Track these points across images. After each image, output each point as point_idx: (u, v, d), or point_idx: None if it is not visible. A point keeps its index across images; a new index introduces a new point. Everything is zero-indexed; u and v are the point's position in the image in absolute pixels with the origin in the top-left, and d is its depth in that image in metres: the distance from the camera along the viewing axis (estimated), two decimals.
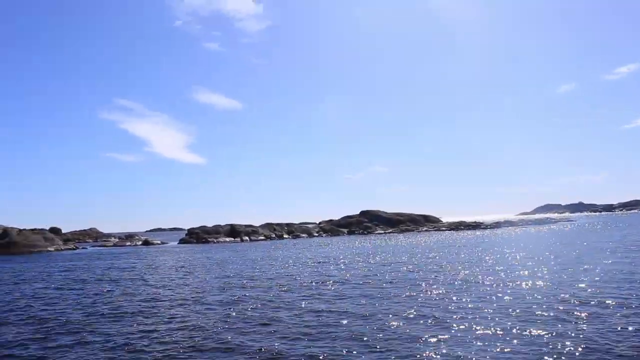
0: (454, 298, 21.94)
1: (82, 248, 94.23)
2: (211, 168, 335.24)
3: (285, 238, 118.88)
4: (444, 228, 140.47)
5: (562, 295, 21.48)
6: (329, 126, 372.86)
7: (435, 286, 25.98)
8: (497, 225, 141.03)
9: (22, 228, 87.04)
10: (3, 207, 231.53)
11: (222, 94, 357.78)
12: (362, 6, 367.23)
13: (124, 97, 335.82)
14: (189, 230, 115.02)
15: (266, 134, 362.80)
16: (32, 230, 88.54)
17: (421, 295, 23.32)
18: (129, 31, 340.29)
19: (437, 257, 44.60)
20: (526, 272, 30.16)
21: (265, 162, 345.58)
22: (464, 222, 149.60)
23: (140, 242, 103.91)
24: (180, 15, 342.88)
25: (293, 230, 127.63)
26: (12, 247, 79.43)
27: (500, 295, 22.23)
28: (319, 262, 45.15)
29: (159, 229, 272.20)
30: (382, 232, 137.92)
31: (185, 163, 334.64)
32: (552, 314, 17.73)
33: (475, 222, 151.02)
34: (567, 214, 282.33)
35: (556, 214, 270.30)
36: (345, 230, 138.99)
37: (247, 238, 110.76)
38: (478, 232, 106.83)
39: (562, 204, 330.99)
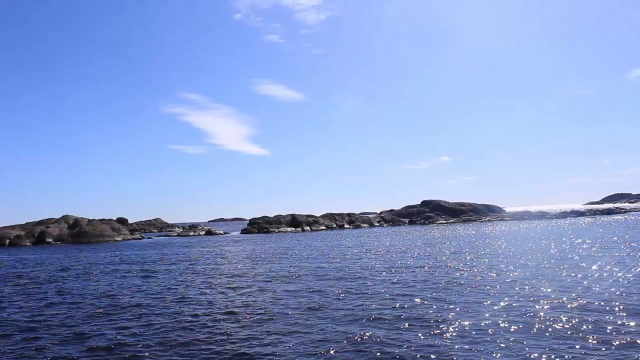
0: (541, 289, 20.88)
1: (148, 238, 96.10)
2: (273, 159, 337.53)
3: (346, 228, 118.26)
4: (507, 218, 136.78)
5: None
6: (390, 116, 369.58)
7: (509, 276, 24.98)
8: (563, 215, 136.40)
9: (91, 218, 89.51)
10: (74, 198, 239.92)
11: (283, 86, 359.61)
12: None
13: (188, 91, 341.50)
14: (250, 220, 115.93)
15: (328, 124, 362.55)
16: (100, 220, 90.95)
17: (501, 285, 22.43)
18: (191, 25, 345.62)
19: (509, 247, 43.27)
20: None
21: (327, 153, 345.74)
22: (529, 212, 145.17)
23: (203, 232, 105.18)
24: (241, 8, 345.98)
25: (354, 220, 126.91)
26: (82, 236, 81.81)
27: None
28: (387, 252, 44.52)
29: (222, 219, 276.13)
30: (444, 222, 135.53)
31: (248, 154, 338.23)
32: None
33: (540, 212, 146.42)
34: (638, 204, 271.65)
35: (627, 204, 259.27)
36: (407, 220, 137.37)
37: (308, 228, 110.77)
38: (543, 223, 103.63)
39: (633, 193, 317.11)
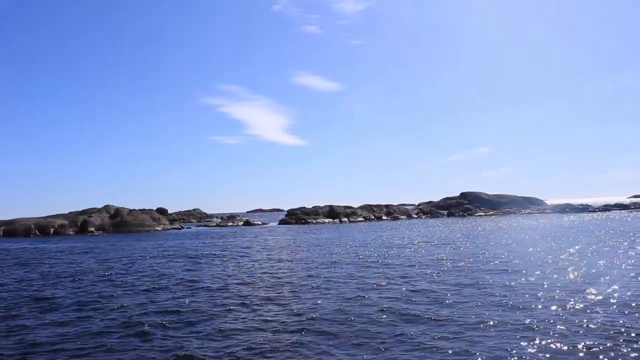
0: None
1: (187, 228, 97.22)
2: (310, 150, 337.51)
3: (384, 220, 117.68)
4: (548, 211, 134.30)
5: None
6: (428, 107, 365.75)
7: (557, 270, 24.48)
8: (606, 208, 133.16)
9: (131, 208, 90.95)
10: (115, 188, 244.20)
11: (321, 76, 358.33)
12: None
13: (226, 82, 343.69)
14: (288, 211, 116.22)
15: (365, 115, 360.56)
16: (141, 210, 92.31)
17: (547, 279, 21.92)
18: (230, 16, 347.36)
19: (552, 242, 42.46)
20: None
21: (365, 143, 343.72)
22: (570, 204, 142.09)
23: (241, 223, 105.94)
24: (280, 0, 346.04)
25: (392, 212, 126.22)
26: (122, 225, 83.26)
27: None
28: (429, 243, 44.16)
29: (259, 210, 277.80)
30: (483, 214, 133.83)
31: (285, 145, 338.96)
32: None
33: (582, 204, 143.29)
34: None
35: None
36: (445, 212, 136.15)
37: (345, 219, 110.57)
38: (586, 216, 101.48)
39: None
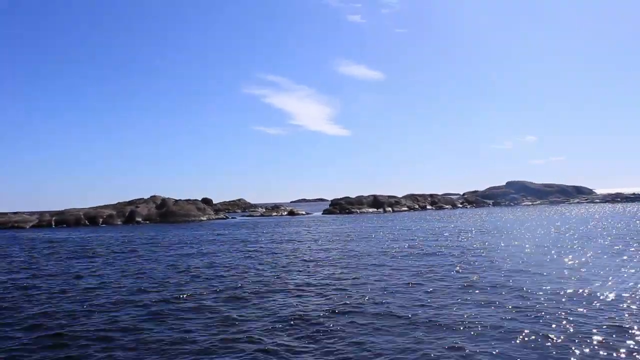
0: None
1: (232, 218, 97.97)
2: (354, 139, 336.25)
3: (428, 209, 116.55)
4: (597, 200, 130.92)
5: None
6: (474, 94, 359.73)
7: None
8: None
9: (177, 198, 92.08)
10: (162, 179, 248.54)
11: (365, 66, 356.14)
12: None
13: (270, 72, 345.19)
14: (332, 201, 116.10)
15: (409, 104, 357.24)
16: (186, 200, 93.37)
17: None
18: (274, 7, 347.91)
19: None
20: None
21: (408, 132, 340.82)
22: (621, 194, 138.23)
23: (285, 213, 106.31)
24: None
25: (436, 201, 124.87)
26: (169, 215, 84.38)
27: None
28: (482, 232, 43.45)
29: (303, 200, 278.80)
30: (530, 203, 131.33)
31: (329, 135, 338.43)
32: None
33: (634, 194, 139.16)
34: None
35: None
36: (491, 202, 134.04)
37: (389, 209, 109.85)
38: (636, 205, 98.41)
39: None
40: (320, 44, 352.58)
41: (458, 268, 22.65)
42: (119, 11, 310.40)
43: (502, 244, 32.67)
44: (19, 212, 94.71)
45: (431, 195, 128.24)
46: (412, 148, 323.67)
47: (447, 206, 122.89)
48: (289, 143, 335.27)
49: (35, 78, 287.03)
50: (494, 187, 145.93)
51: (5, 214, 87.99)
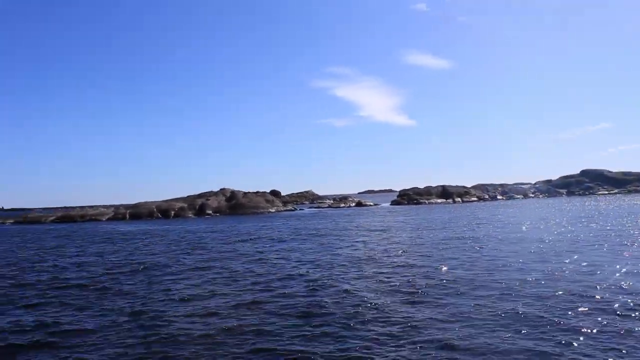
0: None
1: (300, 209, 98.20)
2: (421, 129, 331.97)
3: (499, 199, 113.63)
4: None
5: None
6: (542, 84, 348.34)
7: None
8: None
9: (246, 191, 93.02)
10: (231, 172, 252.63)
11: (431, 55, 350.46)
12: None
13: (336, 64, 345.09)
14: (400, 191, 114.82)
15: (476, 92, 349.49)
16: (255, 193, 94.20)
17: None
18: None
19: None
20: None
21: (476, 121, 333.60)
22: None
23: (353, 204, 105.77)
24: None
25: (507, 191, 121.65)
26: (238, 208, 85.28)
27: None
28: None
29: (371, 191, 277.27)
30: (606, 192, 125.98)
31: (396, 125, 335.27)
32: None
33: None
34: None
35: None
36: (564, 191, 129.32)
37: (459, 199, 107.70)
38: None
39: None
40: (385, 34, 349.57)
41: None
42: (194, 9, 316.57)
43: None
44: (95, 206, 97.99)
45: (501, 185, 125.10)
46: (480, 137, 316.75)
47: (518, 196, 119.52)
48: (356, 134, 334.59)
49: (119, 80, 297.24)
50: (568, 176, 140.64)
51: (84, 207, 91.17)
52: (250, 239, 37.23)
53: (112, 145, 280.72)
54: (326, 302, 14.78)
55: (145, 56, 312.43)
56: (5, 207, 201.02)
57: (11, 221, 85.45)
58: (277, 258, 25.81)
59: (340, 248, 29.45)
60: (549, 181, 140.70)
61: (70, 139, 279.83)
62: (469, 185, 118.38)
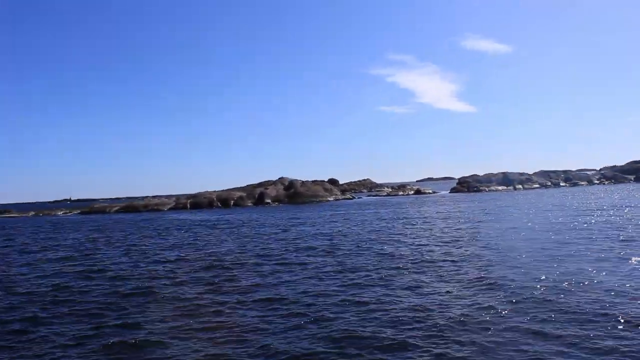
0: None
1: (358, 197, 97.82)
2: (481, 116, 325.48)
3: (562, 186, 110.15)
4: None
5: None
6: (607, 64, 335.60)
7: None
8: None
9: (304, 180, 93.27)
10: (288, 161, 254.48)
11: (491, 39, 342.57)
12: None
13: (394, 51, 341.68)
14: (459, 179, 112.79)
15: (539, 77, 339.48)
16: (313, 181, 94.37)
17: None
18: None
19: None
20: None
21: (538, 107, 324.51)
22: None
23: (412, 192, 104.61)
24: None
25: (570, 178, 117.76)
26: (296, 197, 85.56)
27: None
28: None
29: (429, 179, 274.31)
30: None
31: (455, 112, 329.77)
32: None
33: None
34: None
35: None
36: (632, 177, 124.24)
37: (520, 186, 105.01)
38: None
39: None
40: (444, 19, 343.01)
41: None
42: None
43: None
44: (158, 196, 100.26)
45: (564, 172, 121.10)
46: (541, 123, 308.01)
47: (582, 183, 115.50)
48: (414, 121, 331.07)
49: (182, 70, 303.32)
50: (636, 161, 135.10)
51: (146, 197, 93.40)
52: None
53: (171, 137, 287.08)
54: None
55: (219, 44, 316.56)
56: (72, 198, 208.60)
57: (77, 211, 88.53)
58: None
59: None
60: (614, 167, 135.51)
61: (133, 131, 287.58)
62: (530, 172, 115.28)
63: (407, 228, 33.61)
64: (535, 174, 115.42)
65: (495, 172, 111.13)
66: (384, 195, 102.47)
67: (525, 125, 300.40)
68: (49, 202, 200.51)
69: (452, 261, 19.29)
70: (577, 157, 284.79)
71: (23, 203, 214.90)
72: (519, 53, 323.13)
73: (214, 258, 23.18)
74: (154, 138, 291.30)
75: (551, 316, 11.23)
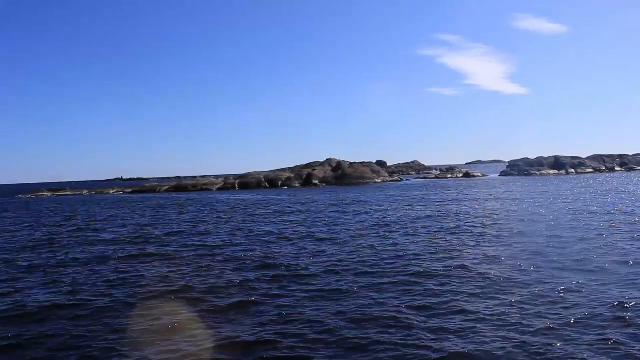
0: None
1: (406, 180, 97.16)
2: (533, 98, 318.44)
3: (617, 171, 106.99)
4: None
5: None
6: None
7: None
8: None
9: (352, 161, 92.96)
10: (337, 142, 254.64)
11: (544, 19, 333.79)
12: None
13: (444, 32, 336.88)
14: (510, 162, 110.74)
15: (595, 59, 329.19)
16: (360, 163, 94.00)
17: None
18: None
19: None
20: None
21: (593, 88, 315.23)
22: None
23: (461, 175, 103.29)
24: None
25: (626, 163, 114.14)
26: (344, 178, 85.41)
27: None
28: None
29: (479, 162, 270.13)
30: None
31: (506, 94, 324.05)
32: None
33: None
34: None
35: None
36: None
37: (572, 170, 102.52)
38: None
39: None
40: None
41: None
42: None
43: None
44: (207, 176, 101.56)
45: (620, 156, 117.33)
46: (596, 106, 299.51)
47: (639, 168, 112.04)
48: (463, 103, 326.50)
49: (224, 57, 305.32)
50: None
51: (195, 177, 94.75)
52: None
53: (220, 118, 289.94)
54: None
55: (256, 29, 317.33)
56: (124, 177, 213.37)
57: (129, 190, 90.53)
58: None
59: None
60: None
61: (180, 116, 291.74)
62: (583, 156, 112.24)
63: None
64: (588, 158, 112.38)
65: (546, 155, 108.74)
66: (432, 178, 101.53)
67: (579, 109, 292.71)
68: (101, 180, 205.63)
69: None
70: (634, 142, 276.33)
71: (76, 181, 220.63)
72: (574, 33, 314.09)
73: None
74: (203, 119, 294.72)
75: None
